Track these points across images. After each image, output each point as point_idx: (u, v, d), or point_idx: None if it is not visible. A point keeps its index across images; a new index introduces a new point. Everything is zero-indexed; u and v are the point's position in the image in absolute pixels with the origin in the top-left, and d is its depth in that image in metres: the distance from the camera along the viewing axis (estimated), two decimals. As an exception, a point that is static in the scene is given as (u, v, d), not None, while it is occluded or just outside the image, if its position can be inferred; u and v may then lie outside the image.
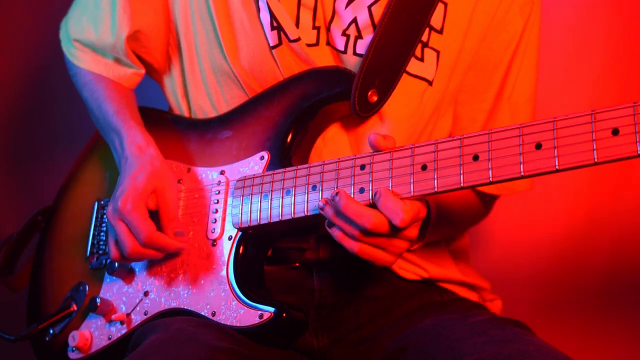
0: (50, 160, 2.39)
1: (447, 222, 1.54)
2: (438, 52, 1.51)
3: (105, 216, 1.63)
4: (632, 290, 2.03)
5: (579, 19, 2.11)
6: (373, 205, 1.29)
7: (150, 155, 1.53)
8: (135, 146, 1.54)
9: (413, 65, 1.50)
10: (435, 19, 1.50)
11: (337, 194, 1.29)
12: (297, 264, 1.54)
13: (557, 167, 1.17)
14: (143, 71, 1.71)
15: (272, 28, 1.50)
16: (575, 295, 2.11)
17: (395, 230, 1.27)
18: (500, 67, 1.57)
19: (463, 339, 1.35)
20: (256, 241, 1.47)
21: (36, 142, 2.46)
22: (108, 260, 1.59)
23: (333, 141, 1.53)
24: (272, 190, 1.42)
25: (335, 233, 1.30)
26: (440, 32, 1.51)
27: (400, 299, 1.57)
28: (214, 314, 1.42)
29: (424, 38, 1.50)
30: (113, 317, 1.52)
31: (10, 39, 2.39)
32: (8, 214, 2.34)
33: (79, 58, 1.70)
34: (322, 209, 1.31)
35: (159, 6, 1.63)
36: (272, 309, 1.36)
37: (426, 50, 1.50)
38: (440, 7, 1.50)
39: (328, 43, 1.52)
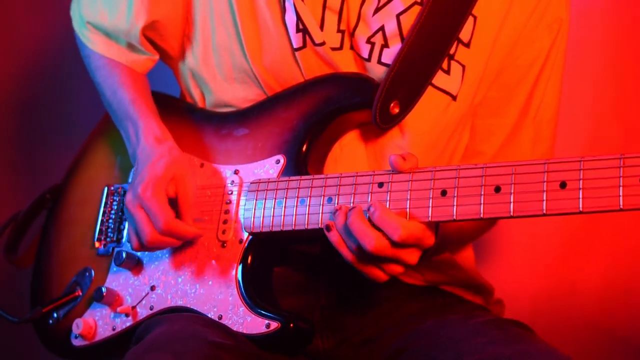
0: (58, 142, 2.36)
1: (453, 241, 1.54)
2: (464, 67, 1.48)
3: (122, 204, 1.62)
4: (633, 292, 2.04)
5: (579, 18, 2.06)
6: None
7: (168, 145, 1.51)
8: (152, 137, 1.52)
9: (439, 78, 1.47)
10: (464, 32, 1.47)
11: (352, 209, 1.28)
12: (303, 265, 1.53)
13: (580, 209, 1.16)
14: (157, 57, 1.67)
15: (298, 30, 1.47)
16: (575, 296, 2.11)
17: (394, 244, 1.25)
18: (524, 83, 1.54)
19: (464, 340, 1.36)
20: (266, 246, 1.46)
21: (43, 124, 2.44)
22: (116, 249, 1.59)
23: (350, 149, 1.51)
24: (286, 197, 1.41)
25: (334, 238, 1.29)
26: (468, 45, 1.47)
27: (403, 301, 1.57)
28: (220, 317, 1.41)
29: (451, 50, 1.47)
30: (118, 309, 1.51)
31: (14, 29, 2.35)
32: (15, 195, 2.32)
33: (92, 41, 1.66)
34: (328, 230, 1.29)
35: None
36: (279, 319, 1.36)
37: (452, 63, 1.47)
38: (470, 20, 1.46)
39: (352, 48, 1.49)
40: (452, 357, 1.32)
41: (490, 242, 2.16)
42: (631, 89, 2.05)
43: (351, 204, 1.33)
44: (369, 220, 1.26)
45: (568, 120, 1.96)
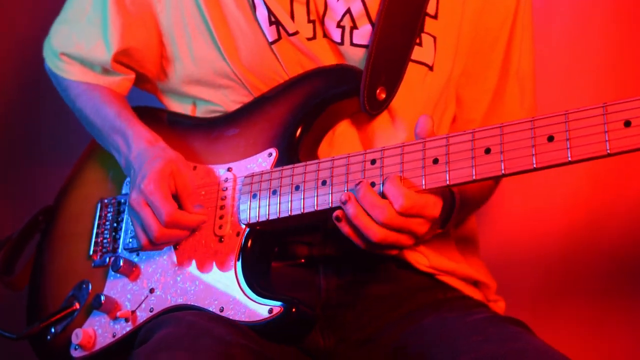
0: (49, 163, 2.38)
1: (468, 205, 1.57)
2: (434, 38, 1.53)
3: (118, 212, 1.64)
4: (633, 290, 2.05)
5: (579, 18, 2.13)
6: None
7: (161, 146, 1.54)
8: (144, 140, 1.55)
9: (413, 51, 1.52)
10: (430, 6, 1.53)
11: (359, 183, 1.31)
12: (303, 260, 1.54)
13: (569, 158, 1.19)
14: (132, 76, 1.71)
15: (271, 23, 1.52)
16: (575, 295, 2.11)
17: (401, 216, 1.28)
18: (498, 45, 1.60)
19: (461, 338, 1.36)
20: (264, 237, 1.47)
21: (35, 144, 2.45)
22: (112, 258, 1.58)
23: (343, 138, 1.54)
24: (280, 186, 1.43)
25: (345, 229, 1.31)
26: (435, 17, 1.53)
27: (403, 298, 1.57)
28: (222, 310, 1.41)
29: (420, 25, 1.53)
30: (118, 314, 1.50)
31: (8, 41, 2.39)
32: (7, 216, 2.32)
33: (68, 71, 1.70)
34: (344, 203, 1.31)
35: (150, 21, 1.64)
36: (281, 304, 1.36)
37: (423, 35, 1.52)
38: None
39: (325, 36, 1.54)
40: (450, 356, 1.33)
41: (492, 238, 2.17)
42: (631, 89, 2.08)
43: (345, 184, 1.36)
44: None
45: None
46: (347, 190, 1.35)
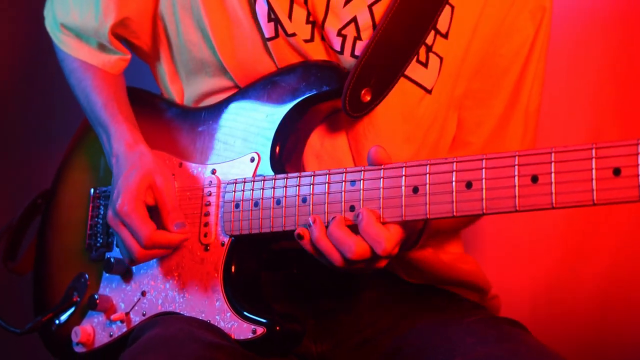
0: (41, 148, 2.36)
1: (444, 232, 1.51)
2: (442, 59, 1.42)
3: (104, 214, 1.62)
4: (631, 291, 2.01)
5: (578, 19, 2.04)
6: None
7: (140, 152, 1.48)
8: (124, 144, 1.49)
9: (415, 71, 1.42)
10: (442, 23, 1.41)
11: (333, 218, 1.26)
12: (295, 271, 1.51)
13: (553, 204, 1.10)
14: (128, 56, 1.64)
15: (270, 20, 1.41)
16: (575, 294, 2.08)
17: (376, 256, 1.24)
18: (510, 73, 1.49)
19: (457, 340, 1.34)
20: (250, 247, 1.43)
21: (25, 131, 2.43)
22: (107, 255, 1.58)
23: (330, 142, 1.46)
24: (262, 198, 1.38)
25: (307, 247, 1.28)
26: (446, 36, 1.42)
27: (399, 301, 1.54)
28: (209, 322, 1.40)
29: (429, 41, 1.41)
30: (112, 317, 1.52)
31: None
32: (3, 203, 2.33)
33: (64, 43, 1.64)
34: (309, 226, 1.27)
35: None
36: (265, 323, 1.35)
37: (430, 55, 1.42)
38: (447, 9, 1.40)
39: (323, 39, 1.43)
40: (445, 357, 1.31)
41: (491, 238, 2.14)
42: (631, 89, 2.01)
43: (325, 204, 1.30)
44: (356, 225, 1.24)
45: (568, 121, 1.95)
46: (326, 212, 1.29)
